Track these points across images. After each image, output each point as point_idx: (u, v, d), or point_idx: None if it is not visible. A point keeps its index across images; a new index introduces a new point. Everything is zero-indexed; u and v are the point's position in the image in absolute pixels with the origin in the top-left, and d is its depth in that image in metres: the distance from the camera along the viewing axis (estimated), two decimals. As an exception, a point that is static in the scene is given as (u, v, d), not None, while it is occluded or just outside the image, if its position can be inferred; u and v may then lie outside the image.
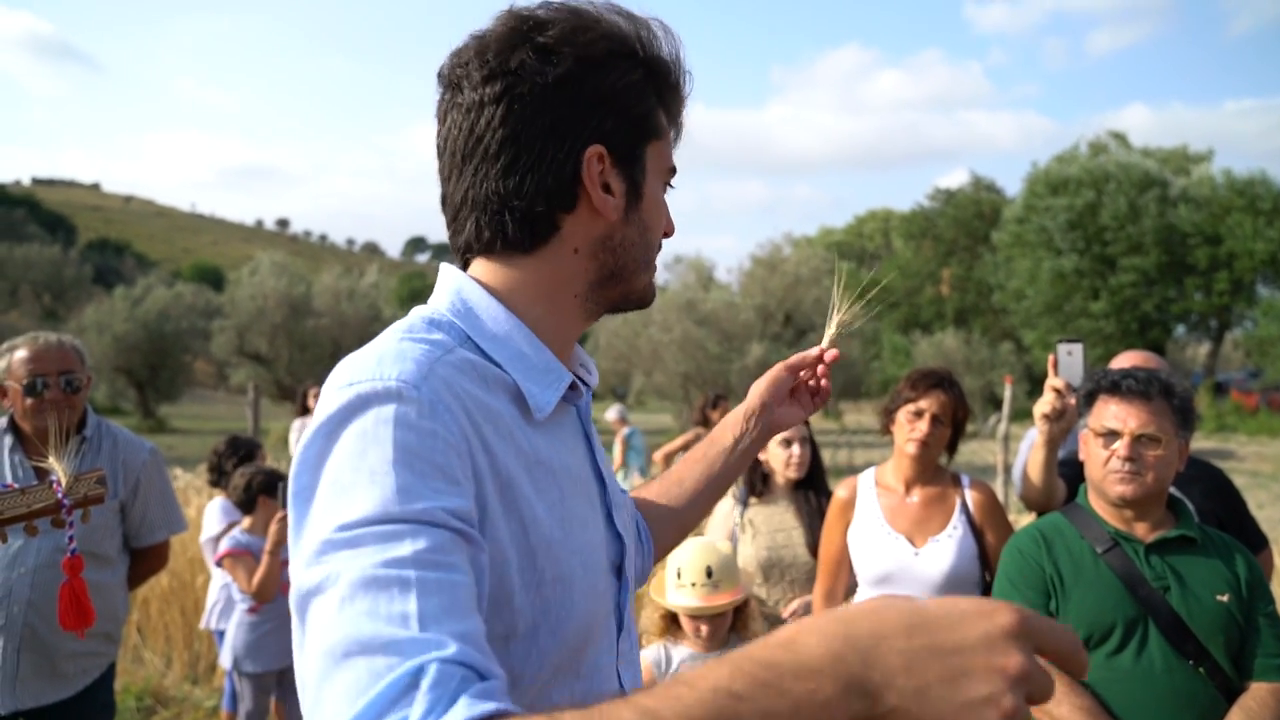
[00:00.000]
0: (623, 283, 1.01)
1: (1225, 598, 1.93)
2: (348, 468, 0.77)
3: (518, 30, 0.93)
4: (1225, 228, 32.32)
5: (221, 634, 3.97)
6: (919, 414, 2.64)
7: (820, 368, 1.37)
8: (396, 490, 0.75)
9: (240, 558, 3.55)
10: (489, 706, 0.63)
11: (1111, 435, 2.01)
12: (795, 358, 1.37)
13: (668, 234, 1.07)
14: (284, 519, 3.39)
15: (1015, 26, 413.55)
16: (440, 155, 0.98)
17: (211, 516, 4.17)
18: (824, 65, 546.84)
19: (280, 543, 3.38)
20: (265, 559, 3.41)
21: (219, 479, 4.23)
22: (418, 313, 0.96)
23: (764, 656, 0.60)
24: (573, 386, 0.99)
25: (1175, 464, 2.02)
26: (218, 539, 3.95)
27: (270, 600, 3.49)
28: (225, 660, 3.72)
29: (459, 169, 0.95)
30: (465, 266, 1.01)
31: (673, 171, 1.05)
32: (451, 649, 0.67)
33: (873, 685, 0.58)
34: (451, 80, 0.96)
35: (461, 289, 0.96)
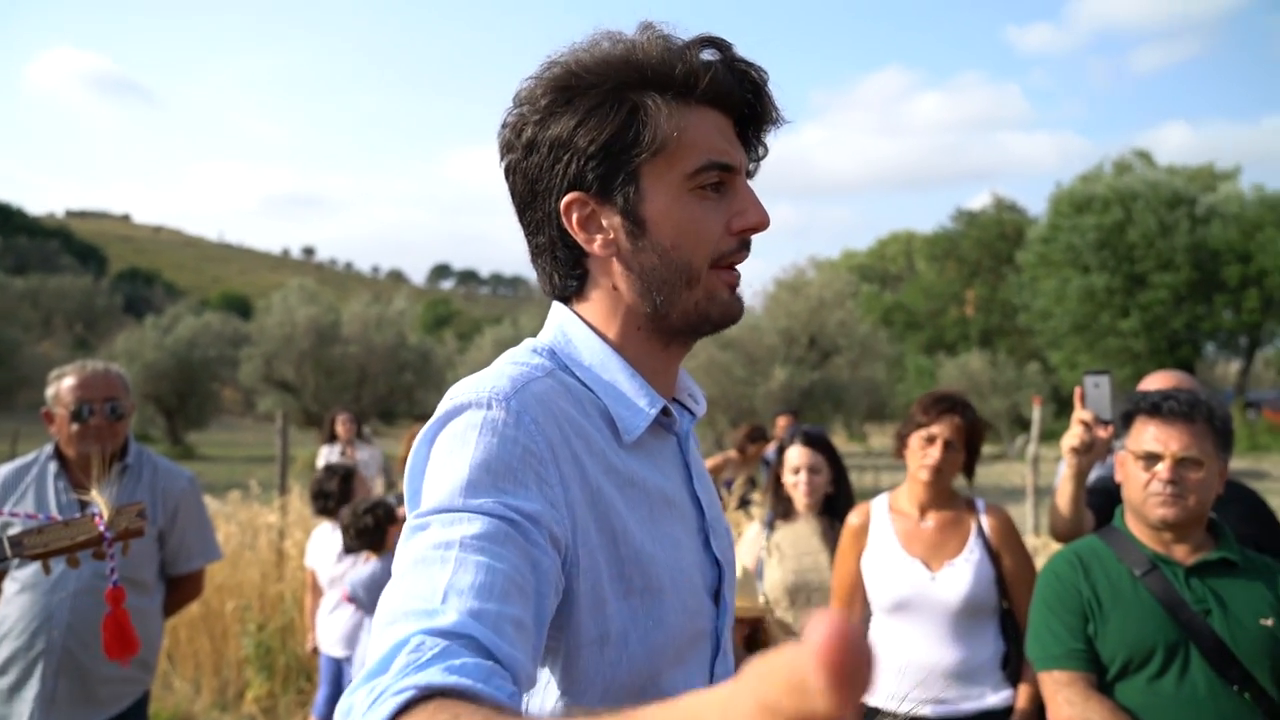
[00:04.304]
0: (670, 307, 0.99)
1: (1269, 621, 1.90)
2: (436, 465, 0.87)
3: (509, 110, 1.01)
4: (1256, 244, 31.86)
5: (333, 660, 4.10)
6: (931, 439, 2.61)
7: None
8: (465, 484, 0.83)
9: None
10: (450, 680, 0.64)
11: (1152, 458, 1.99)
12: None
13: (748, 230, 0.99)
14: None
15: (1058, 48, 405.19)
16: None
17: (327, 544, 4.19)
18: (865, 88, 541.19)
19: None
20: None
21: (325, 505, 4.28)
22: (526, 343, 1.04)
23: None
24: (665, 412, 1.01)
25: (1216, 486, 2.00)
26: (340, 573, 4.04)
27: None
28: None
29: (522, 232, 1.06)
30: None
31: (708, 169, 0.96)
32: (449, 620, 0.71)
33: None
34: None
35: (564, 323, 1.04)
